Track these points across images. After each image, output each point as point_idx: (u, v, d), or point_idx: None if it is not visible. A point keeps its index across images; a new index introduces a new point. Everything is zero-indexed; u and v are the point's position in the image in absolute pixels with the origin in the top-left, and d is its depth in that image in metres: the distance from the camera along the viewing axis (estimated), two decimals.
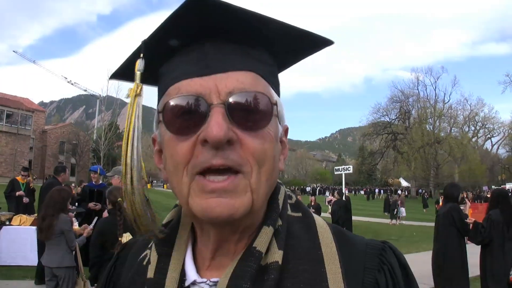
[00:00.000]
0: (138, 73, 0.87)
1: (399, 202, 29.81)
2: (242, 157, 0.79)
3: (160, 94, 0.90)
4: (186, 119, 0.81)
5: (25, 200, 12.72)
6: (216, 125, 0.76)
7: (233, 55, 0.84)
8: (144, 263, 0.94)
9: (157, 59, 0.89)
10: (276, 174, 0.88)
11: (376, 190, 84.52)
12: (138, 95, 0.87)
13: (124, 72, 0.94)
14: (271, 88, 0.89)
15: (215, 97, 0.79)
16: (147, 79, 0.90)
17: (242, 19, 0.81)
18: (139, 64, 0.86)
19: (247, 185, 0.80)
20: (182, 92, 0.82)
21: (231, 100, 0.79)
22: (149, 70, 0.88)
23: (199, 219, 0.85)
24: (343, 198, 16.80)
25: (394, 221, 28.11)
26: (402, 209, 29.95)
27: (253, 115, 0.81)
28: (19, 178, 13.40)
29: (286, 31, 0.87)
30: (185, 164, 0.81)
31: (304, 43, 0.93)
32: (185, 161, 0.81)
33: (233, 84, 0.81)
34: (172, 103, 0.82)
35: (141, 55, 0.86)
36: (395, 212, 28.53)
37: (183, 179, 0.81)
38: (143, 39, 0.87)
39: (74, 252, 6.43)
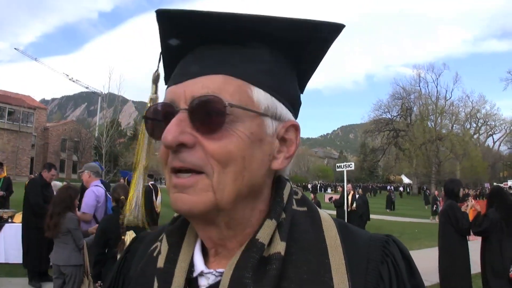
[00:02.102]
0: (153, 86, 0.97)
1: (440, 198, 27.97)
2: (202, 159, 0.82)
3: None
4: (159, 124, 0.87)
5: None
6: (167, 130, 0.81)
7: (209, 60, 0.88)
8: (155, 254, 0.97)
9: (169, 67, 0.97)
10: (254, 173, 0.87)
11: (388, 187, 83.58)
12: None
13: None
14: (253, 87, 0.87)
15: (183, 103, 0.84)
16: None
17: (219, 21, 0.86)
18: (154, 77, 0.97)
19: (209, 185, 0.82)
20: (164, 99, 0.90)
21: (191, 104, 0.83)
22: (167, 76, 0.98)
23: None
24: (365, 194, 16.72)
25: (436, 218, 27.23)
26: None
27: (208, 118, 0.83)
28: None
29: (279, 24, 0.88)
30: (165, 164, 0.87)
31: (306, 34, 0.92)
32: (164, 161, 0.87)
33: (198, 89, 0.84)
34: (151, 109, 0.91)
35: (157, 67, 0.95)
36: (434, 208, 27.50)
37: (167, 176, 0.88)
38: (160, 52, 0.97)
39: (82, 251, 6.42)
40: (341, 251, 0.87)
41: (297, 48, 0.95)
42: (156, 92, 0.96)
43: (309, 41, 0.94)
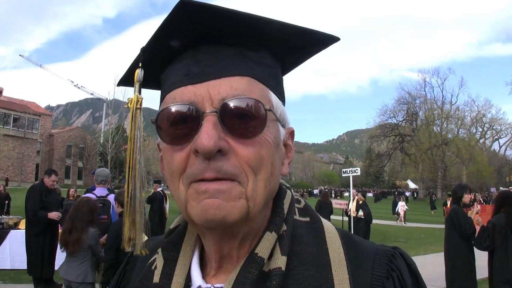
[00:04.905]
0: (137, 85, 0.86)
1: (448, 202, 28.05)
2: (236, 166, 0.77)
3: (160, 102, 0.89)
4: (179, 129, 0.79)
5: None
6: (206, 135, 0.74)
7: (227, 60, 0.82)
8: (152, 267, 0.93)
9: (157, 66, 0.88)
10: (276, 180, 0.86)
11: (406, 193, 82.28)
12: (138, 108, 0.86)
13: (129, 79, 0.92)
14: (270, 92, 0.86)
15: (208, 105, 0.78)
16: (151, 84, 0.91)
17: (235, 22, 0.80)
18: (138, 75, 0.85)
19: (243, 193, 0.78)
20: (176, 101, 0.80)
21: (223, 107, 0.77)
22: (151, 76, 0.87)
23: (199, 226, 0.85)
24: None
25: None
26: None
27: (246, 122, 0.78)
28: None
29: (286, 30, 0.85)
30: (181, 173, 0.80)
31: (307, 42, 0.90)
32: (180, 170, 0.80)
33: (227, 90, 0.79)
34: (165, 112, 0.81)
35: (140, 64, 0.85)
36: None
37: (179, 186, 0.80)
38: (142, 47, 0.86)
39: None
40: (345, 264, 0.84)
41: (291, 54, 0.93)
42: (140, 91, 0.86)
43: (302, 49, 0.93)
